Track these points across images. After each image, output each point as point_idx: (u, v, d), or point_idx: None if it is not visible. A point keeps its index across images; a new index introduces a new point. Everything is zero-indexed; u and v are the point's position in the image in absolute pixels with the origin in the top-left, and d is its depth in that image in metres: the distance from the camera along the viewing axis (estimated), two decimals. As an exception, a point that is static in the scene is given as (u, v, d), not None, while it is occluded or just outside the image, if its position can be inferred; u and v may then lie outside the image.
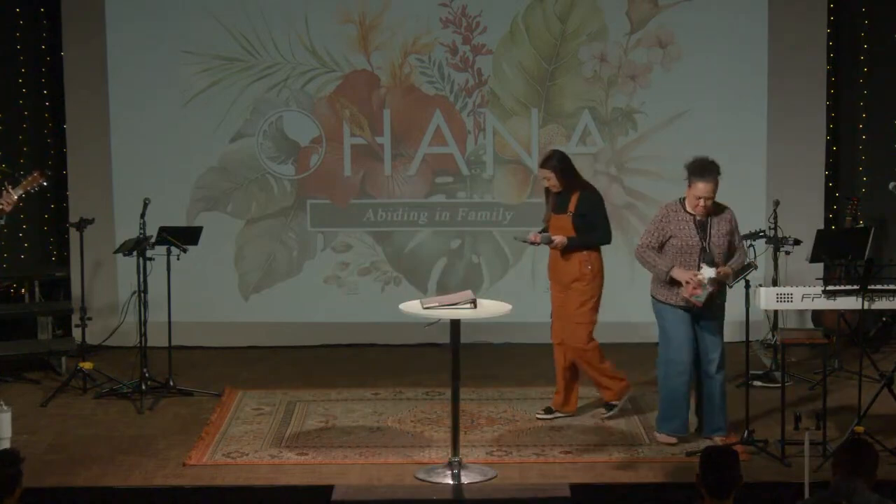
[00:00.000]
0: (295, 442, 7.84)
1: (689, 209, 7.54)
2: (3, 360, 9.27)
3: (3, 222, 8.23)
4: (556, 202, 8.15)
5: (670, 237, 7.54)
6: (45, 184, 8.54)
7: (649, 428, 7.98)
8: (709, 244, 7.48)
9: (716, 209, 7.56)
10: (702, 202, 7.45)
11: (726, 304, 7.66)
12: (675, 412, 7.68)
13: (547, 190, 8.23)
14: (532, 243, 8.22)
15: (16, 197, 8.16)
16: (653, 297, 7.71)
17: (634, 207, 10.33)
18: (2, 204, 8.09)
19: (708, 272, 7.39)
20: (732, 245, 7.58)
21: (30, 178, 8.36)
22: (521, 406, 8.57)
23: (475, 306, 7.19)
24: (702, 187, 7.43)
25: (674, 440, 7.67)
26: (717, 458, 4.93)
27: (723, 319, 7.67)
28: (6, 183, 8.22)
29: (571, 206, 8.05)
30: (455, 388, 7.18)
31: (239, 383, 9.22)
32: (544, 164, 8.14)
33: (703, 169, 7.46)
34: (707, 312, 7.55)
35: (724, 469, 4.87)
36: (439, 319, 7.26)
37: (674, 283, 7.53)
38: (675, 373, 7.61)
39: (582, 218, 8.04)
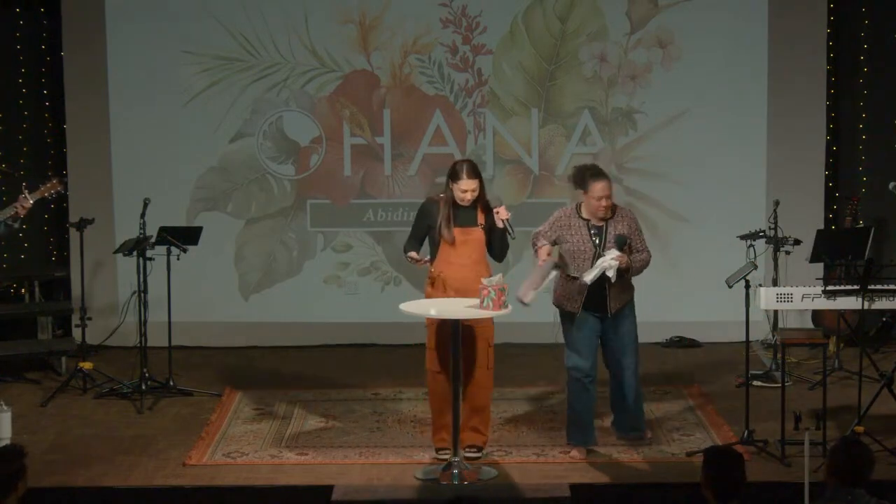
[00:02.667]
0: (295, 442, 7.84)
1: (584, 215, 7.40)
2: (3, 360, 9.27)
3: (17, 226, 8.23)
4: (459, 214, 7.42)
5: (563, 242, 7.39)
6: (62, 191, 8.55)
7: (649, 428, 7.96)
8: (602, 249, 7.31)
9: (613, 212, 7.41)
10: (603, 202, 7.28)
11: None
12: (581, 425, 7.54)
13: (427, 206, 7.53)
14: (419, 262, 7.46)
15: (31, 202, 8.17)
16: (557, 305, 7.54)
17: (634, 207, 10.32)
18: (16, 208, 8.10)
19: (610, 255, 7.21)
20: (632, 247, 7.42)
21: (48, 185, 8.36)
22: (521, 406, 8.58)
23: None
24: (600, 187, 7.28)
25: (583, 454, 7.48)
26: (723, 461, 4.90)
27: (634, 323, 7.56)
28: (23, 188, 8.23)
29: (481, 219, 7.44)
30: (455, 388, 7.18)
31: (239, 383, 9.22)
32: (475, 174, 7.38)
33: (597, 170, 7.39)
34: (618, 316, 7.43)
35: (731, 471, 4.85)
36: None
37: (571, 290, 7.38)
38: (579, 388, 7.47)
39: (489, 232, 7.47)
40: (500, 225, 7.38)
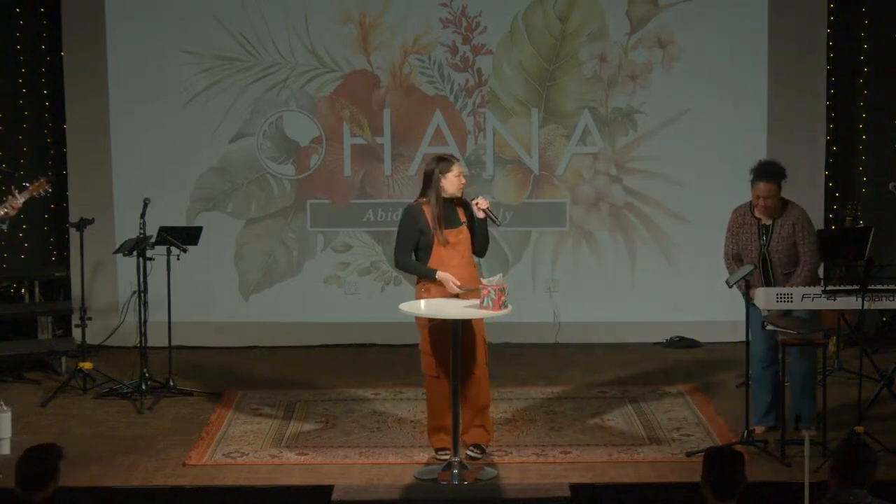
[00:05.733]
0: (295, 442, 7.84)
1: (756, 213, 7.68)
2: (3, 360, 9.27)
3: (5, 227, 8.23)
4: (446, 215, 7.34)
5: (738, 239, 7.69)
6: (50, 190, 8.55)
7: (649, 428, 7.98)
8: (768, 248, 7.61)
9: (783, 211, 7.71)
10: (760, 201, 7.58)
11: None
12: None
13: (413, 212, 7.38)
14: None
15: (21, 202, 8.17)
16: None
17: (634, 207, 10.33)
18: (6, 209, 8.10)
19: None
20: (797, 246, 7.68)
21: (36, 184, 8.36)
22: (521, 406, 8.57)
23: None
24: (760, 187, 7.61)
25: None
26: (722, 460, 4.91)
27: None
28: (12, 188, 8.23)
29: (462, 217, 7.38)
30: (455, 388, 7.17)
31: (239, 383, 9.22)
32: (458, 163, 7.41)
33: (766, 169, 7.69)
34: None
35: (729, 471, 4.85)
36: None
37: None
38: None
39: (472, 228, 7.41)
40: (480, 215, 7.32)
